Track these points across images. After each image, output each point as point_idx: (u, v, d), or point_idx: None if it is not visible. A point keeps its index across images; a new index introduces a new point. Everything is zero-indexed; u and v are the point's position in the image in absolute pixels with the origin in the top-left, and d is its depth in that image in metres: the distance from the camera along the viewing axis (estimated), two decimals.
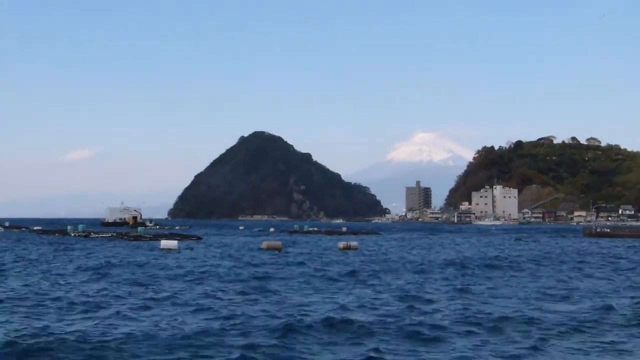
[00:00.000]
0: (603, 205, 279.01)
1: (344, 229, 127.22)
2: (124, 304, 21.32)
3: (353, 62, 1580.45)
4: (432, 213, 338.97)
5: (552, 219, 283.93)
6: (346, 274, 32.98)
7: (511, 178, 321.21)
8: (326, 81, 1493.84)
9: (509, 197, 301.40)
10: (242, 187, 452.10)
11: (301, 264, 39.89)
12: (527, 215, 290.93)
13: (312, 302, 22.20)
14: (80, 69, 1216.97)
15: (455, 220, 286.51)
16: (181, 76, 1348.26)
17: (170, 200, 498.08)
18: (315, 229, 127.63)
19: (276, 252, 53.01)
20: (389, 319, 18.55)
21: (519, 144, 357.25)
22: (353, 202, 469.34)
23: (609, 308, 21.38)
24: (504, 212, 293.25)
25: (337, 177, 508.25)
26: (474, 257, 48.58)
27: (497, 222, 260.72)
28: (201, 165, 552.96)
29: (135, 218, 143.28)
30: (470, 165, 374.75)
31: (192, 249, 55.64)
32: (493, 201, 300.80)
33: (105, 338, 15.39)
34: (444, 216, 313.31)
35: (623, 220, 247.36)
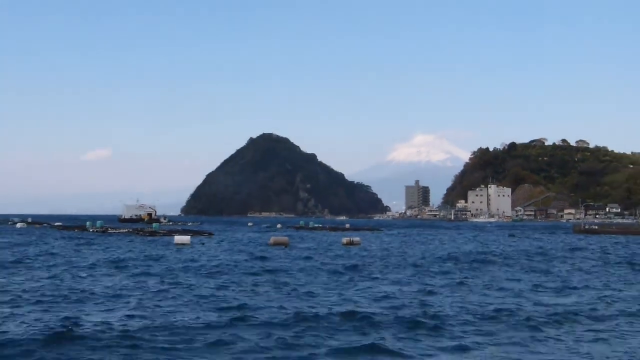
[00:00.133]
0: (591, 203, 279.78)
1: (347, 225, 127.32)
2: (142, 295, 21.37)
3: (355, 69, 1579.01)
4: (431, 211, 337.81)
5: (543, 216, 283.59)
6: (350, 267, 32.99)
7: (505, 178, 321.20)
8: (330, 86, 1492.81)
9: (503, 195, 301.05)
10: (251, 185, 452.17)
11: (308, 258, 39.90)
12: (520, 213, 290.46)
13: (318, 294, 22.25)
14: (87, 71, 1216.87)
15: (452, 218, 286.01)
16: (193, 82, 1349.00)
17: (183, 198, 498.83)
18: (320, 225, 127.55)
19: (283, 247, 52.96)
20: (391, 310, 18.55)
21: (512, 145, 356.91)
22: (355, 200, 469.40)
23: (600, 299, 21.39)
24: (498, 210, 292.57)
25: (340, 176, 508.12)
26: (471, 252, 48.51)
27: (492, 220, 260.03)
28: (212, 165, 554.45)
29: (150, 215, 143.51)
30: (466, 165, 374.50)
31: (204, 244, 55.62)
32: (488, 199, 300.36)
33: (127, 328, 15.39)
34: (442, 214, 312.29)
35: (610, 218, 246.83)
